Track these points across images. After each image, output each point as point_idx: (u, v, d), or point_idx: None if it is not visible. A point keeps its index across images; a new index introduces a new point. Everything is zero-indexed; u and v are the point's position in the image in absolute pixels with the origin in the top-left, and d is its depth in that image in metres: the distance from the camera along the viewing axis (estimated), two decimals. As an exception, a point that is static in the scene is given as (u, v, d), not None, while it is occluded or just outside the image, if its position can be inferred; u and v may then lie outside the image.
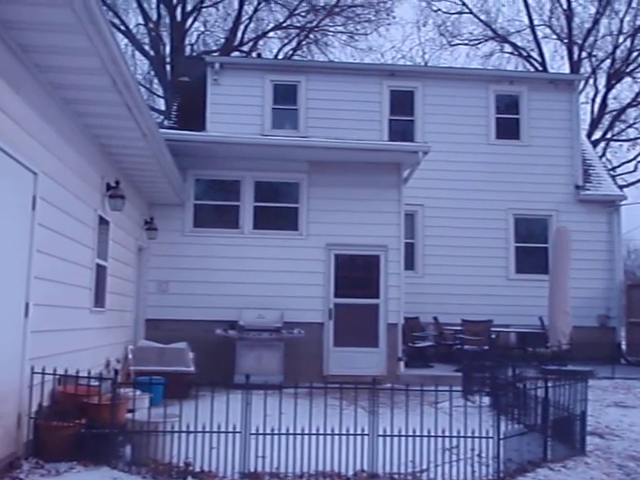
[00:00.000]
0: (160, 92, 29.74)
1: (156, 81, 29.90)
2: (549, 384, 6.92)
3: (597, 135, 30.93)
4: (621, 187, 24.77)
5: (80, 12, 4.82)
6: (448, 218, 15.63)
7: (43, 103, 6.14)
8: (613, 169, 31.38)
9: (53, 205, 6.44)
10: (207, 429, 5.76)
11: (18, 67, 5.52)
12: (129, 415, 6.17)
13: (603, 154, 31.37)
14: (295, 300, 12.05)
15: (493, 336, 13.74)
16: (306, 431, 5.82)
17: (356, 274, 12.75)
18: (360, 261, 12.71)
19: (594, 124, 30.70)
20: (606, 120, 31.33)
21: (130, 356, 9.72)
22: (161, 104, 29.41)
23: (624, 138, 32.04)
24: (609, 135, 31.69)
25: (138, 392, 7.08)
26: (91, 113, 7.09)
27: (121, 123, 7.40)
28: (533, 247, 16.17)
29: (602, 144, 31.57)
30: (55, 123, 6.49)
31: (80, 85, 6.27)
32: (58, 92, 6.39)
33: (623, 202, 16.92)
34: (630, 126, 31.49)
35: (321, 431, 5.83)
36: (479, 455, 6.28)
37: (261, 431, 5.83)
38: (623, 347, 16.39)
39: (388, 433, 5.91)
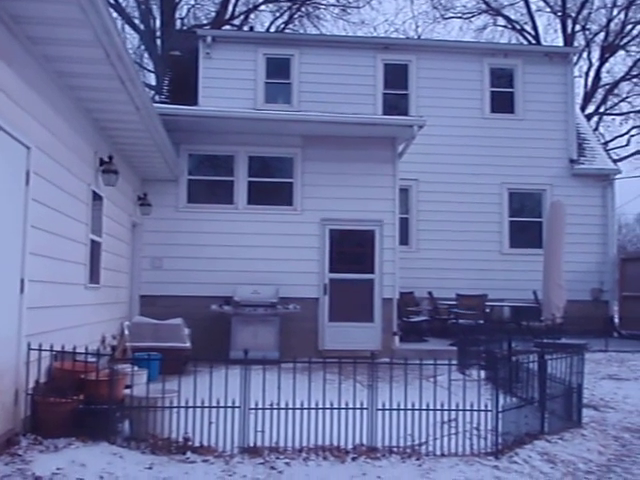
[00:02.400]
0: (151, 67, 29.38)
1: (147, 56, 29.51)
2: (546, 357, 6.95)
3: (590, 109, 30.86)
4: (614, 161, 24.82)
5: (72, -19, 4.72)
6: (442, 193, 15.60)
7: (36, 76, 6.03)
8: (606, 143, 31.35)
9: (47, 180, 6.35)
10: (206, 404, 5.75)
11: (10, 39, 5.40)
12: (127, 391, 6.15)
13: (596, 128, 31.29)
14: (290, 275, 12.03)
15: (487, 310, 13.80)
16: (305, 405, 5.82)
17: (351, 249, 12.73)
18: (355, 236, 12.67)
19: (587, 98, 30.60)
20: (599, 94, 31.28)
21: (126, 332, 9.68)
22: (152, 79, 29.07)
23: (617, 112, 32.01)
24: (602, 109, 31.65)
25: (135, 368, 7.06)
26: (84, 86, 6.97)
27: (114, 97, 7.29)
28: (527, 221, 16.20)
29: (595, 118, 31.51)
30: (48, 96, 6.38)
31: (73, 57, 6.16)
32: (51, 65, 6.28)
33: (618, 176, 16.94)
34: (623, 100, 31.47)
35: (320, 405, 5.83)
36: (477, 428, 6.30)
37: (260, 406, 5.82)
38: (616, 320, 16.49)
39: (387, 407, 5.92)
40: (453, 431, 6.27)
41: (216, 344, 10.60)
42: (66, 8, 5.13)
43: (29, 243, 5.83)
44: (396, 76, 16.25)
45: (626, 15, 29.44)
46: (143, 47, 29.32)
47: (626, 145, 31.70)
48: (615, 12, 29.51)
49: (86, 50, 5.96)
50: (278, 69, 15.99)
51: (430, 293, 14.93)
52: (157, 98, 20.36)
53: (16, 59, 5.53)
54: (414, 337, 13.45)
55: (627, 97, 31.32)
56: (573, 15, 30.10)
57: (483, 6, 31.62)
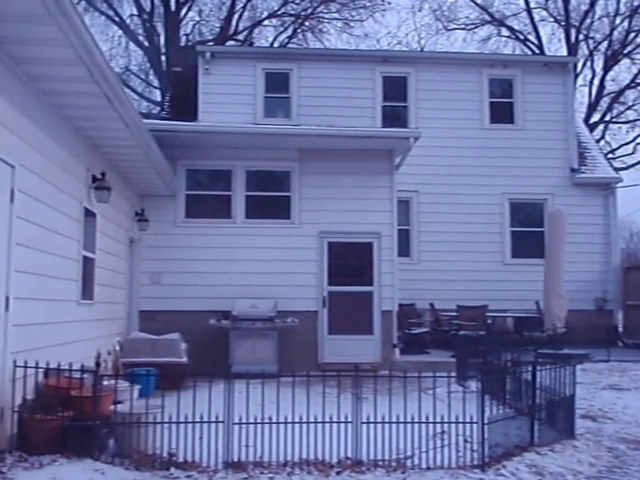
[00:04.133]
0: (156, 83, 29.66)
1: (152, 72, 29.78)
2: (537, 368, 6.90)
3: (596, 118, 30.76)
4: (620, 169, 24.70)
5: (48, 2, 4.77)
6: (443, 204, 15.57)
7: (19, 95, 6.08)
8: (612, 152, 31.22)
9: (34, 198, 6.40)
10: (190, 419, 5.74)
11: (-9, 59, 5.48)
12: (114, 407, 6.15)
13: (602, 137, 31.18)
14: (288, 289, 12.02)
15: (489, 321, 13.70)
16: (289, 419, 5.80)
17: (349, 262, 12.71)
18: (353, 249, 12.65)
19: (592, 107, 30.51)
20: (604, 102, 31.14)
21: (117, 348, 9.71)
22: (157, 95, 29.34)
23: (623, 120, 31.84)
24: (607, 117, 31.50)
25: (126, 384, 7.08)
26: (71, 105, 7.04)
27: (102, 114, 7.35)
28: (529, 231, 16.10)
29: (601, 127, 31.39)
30: (33, 115, 6.44)
31: (56, 76, 6.22)
32: (35, 84, 6.35)
33: (620, 185, 16.84)
34: (629, 108, 31.27)
35: (304, 419, 5.81)
36: (466, 440, 6.26)
37: (244, 420, 5.81)
38: (620, 330, 16.36)
39: (372, 420, 5.89)
40: (444, 443, 6.23)
41: (215, 359, 10.55)
42: (45, 28, 5.20)
43: (14, 261, 5.87)
44: (395, 88, 16.28)
45: (630, 23, 29.37)
46: (149, 64, 29.62)
47: (632, 153, 31.54)
48: (618, 21, 29.48)
49: (69, 69, 6.02)
50: (277, 83, 16.06)
51: (432, 304, 14.87)
52: (162, 114, 20.52)
53: (-2, 79, 5.60)
54: (416, 349, 13.39)
55: (633, 105, 31.16)
56: (576, 24, 30.06)
57: (486, 17, 31.67)
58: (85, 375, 6.35)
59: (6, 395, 5.78)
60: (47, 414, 5.89)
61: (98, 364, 6.27)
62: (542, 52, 30.24)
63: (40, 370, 6.28)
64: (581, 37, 30.23)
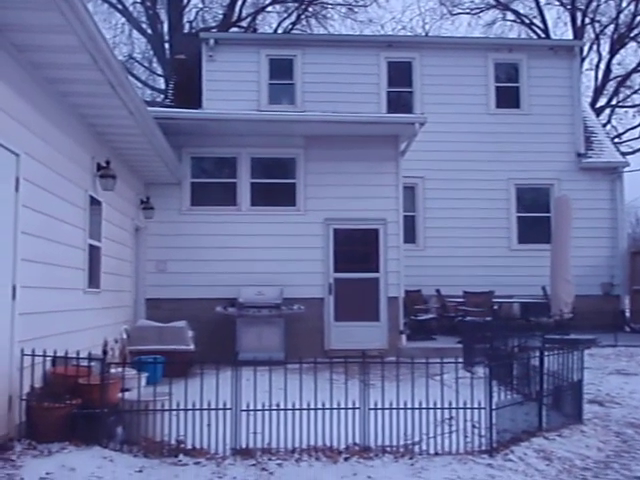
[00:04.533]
0: (159, 71, 29.57)
1: (156, 60, 29.68)
2: (544, 353, 6.89)
3: (602, 102, 30.54)
4: (627, 154, 24.57)
5: (50, -12, 4.74)
6: (449, 190, 15.51)
7: (23, 83, 6.05)
8: (619, 136, 31.00)
9: (39, 186, 6.38)
10: (198, 407, 5.75)
11: (-6, 48, 5.44)
12: (122, 395, 6.16)
13: (608, 121, 30.96)
14: (294, 276, 12.02)
15: (495, 307, 13.69)
16: (297, 406, 5.81)
17: (355, 248, 12.69)
18: (359, 235, 12.64)
19: (598, 91, 30.28)
20: (611, 86, 30.91)
21: (124, 336, 9.73)
22: (161, 83, 29.26)
23: (629, 104, 31.61)
24: (614, 102, 31.26)
25: (133, 371, 7.10)
26: (75, 92, 7.01)
27: (107, 102, 7.32)
28: (535, 217, 16.05)
29: (607, 111, 31.17)
30: (38, 103, 6.41)
31: (60, 64, 6.19)
32: (39, 72, 6.31)
33: (627, 169, 16.76)
34: (635, 92, 31.01)
35: (312, 406, 5.82)
36: (474, 426, 6.25)
37: (252, 407, 5.81)
38: (627, 315, 16.32)
39: (380, 406, 5.89)
40: (452, 429, 6.22)
41: (222, 346, 10.61)
42: (48, 15, 5.16)
43: (20, 249, 5.86)
44: (400, 74, 16.19)
45: (636, 6, 29.00)
46: (152, 52, 29.51)
47: (639, 137, 31.30)
48: (625, 4, 29.17)
49: (73, 56, 5.99)
50: (281, 70, 15.99)
51: (438, 291, 14.85)
52: (166, 102, 20.46)
53: (1, 67, 5.55)
54: (422, 335, 13.38)
55: (639, 89, 30.94)
56: (582, 8, 29.79)
57: (491, 1, 31.41)
58: (92, 363, 6.38)
59: (14, 383, 5.80)
60: (55, 402, 5.92)
61: (105, 352, 6.29)
62: (548, 36, 30.02)
63: (48, 358, 6.30)
64: (587, 20, 29.98)
